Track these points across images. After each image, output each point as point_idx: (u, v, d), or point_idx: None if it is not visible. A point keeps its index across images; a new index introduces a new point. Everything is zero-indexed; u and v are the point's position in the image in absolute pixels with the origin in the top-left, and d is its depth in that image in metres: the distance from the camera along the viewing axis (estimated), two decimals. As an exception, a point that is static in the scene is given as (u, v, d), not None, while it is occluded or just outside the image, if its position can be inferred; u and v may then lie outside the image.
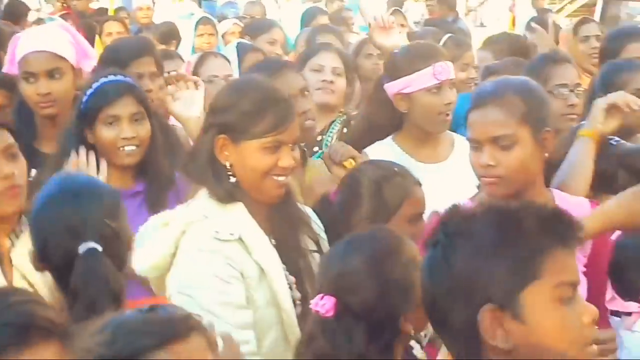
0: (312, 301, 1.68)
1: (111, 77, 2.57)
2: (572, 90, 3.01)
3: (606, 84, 2.84)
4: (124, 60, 3.00)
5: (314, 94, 3.16)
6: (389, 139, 2.97)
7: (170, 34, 6.63)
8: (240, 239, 1.95)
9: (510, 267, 1.19)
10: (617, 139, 2.45)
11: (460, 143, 2.82)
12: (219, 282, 1.90)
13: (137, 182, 2.61)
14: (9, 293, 1.19)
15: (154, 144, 2.60)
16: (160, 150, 2.62)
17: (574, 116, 2.96)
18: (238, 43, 4.67)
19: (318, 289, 1.73)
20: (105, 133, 2.51)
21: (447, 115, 2.92)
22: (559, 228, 1.24)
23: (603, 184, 2.41)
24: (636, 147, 2.46)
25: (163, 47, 5.52)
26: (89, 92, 2.54)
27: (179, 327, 1.19)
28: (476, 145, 2.15)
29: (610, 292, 2.23)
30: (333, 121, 3.65)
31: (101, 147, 2.54)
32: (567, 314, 1.20)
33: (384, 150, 2.90)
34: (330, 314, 1.62)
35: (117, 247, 1.75)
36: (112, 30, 6.57)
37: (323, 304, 1.63)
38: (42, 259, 1.77)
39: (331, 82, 3.62)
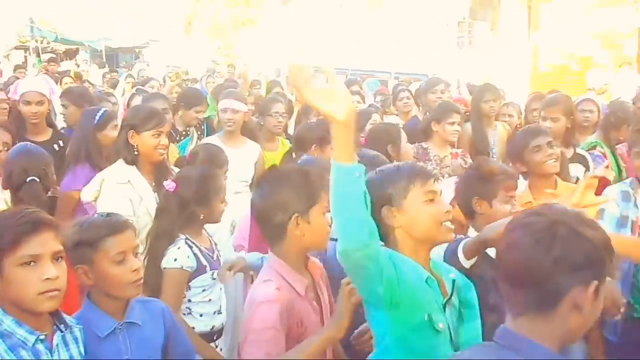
0: (164, 183, 3.14)
1: None
2: None
3: None
4: None
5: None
6: None
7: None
8: (129, 182, 3.46)
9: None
10: None
11: None
12: (121, 199, 3.38)
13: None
14: (23, 208, 2.01)
15: None
16: None
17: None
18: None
19: None
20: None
21: None
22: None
23: None
24: None
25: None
26: None
27: (122, 224, 2.23)
28: None
29: None
30: None
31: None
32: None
33: None
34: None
35: (47, 181, 3.23)
36: (67, 82, 9.42)
37: (169, 184, 3.05)
38: (7, 184, 3.24)
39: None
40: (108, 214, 2.31)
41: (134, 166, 3.51)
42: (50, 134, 4.64)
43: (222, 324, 3.10)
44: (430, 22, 16.76)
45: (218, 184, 3.11)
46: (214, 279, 2.99)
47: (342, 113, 1.76)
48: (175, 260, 2.89)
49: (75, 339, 2.02)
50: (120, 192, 3.41)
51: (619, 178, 4.21)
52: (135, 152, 3.51)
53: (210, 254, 3.04)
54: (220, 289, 3.09)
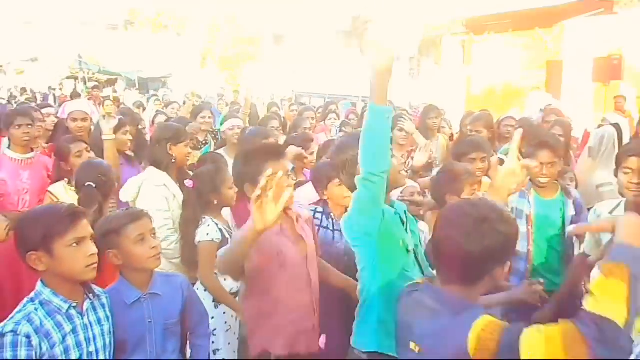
0: (185, 182, 3.23)
1: None
2: None
3: None
4: None
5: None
6: None
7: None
8: (164, 185, 3.39)
9: None
10: None
11: None
12: (159, 199, 3.34)
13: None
14: (62, 203, 2.04)
15: None
16: None
17: None
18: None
19: None
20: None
21: None
22: None
23: None
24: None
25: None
26: None
27: (139, 213, 2.20)
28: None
29: None
30: None
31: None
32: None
33: None
34: None
35: (104, 187, 2.92)
36: (108, 104, 9.05)
37: (188, 182, 3.19)
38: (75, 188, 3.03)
39: None
40: (127, 208, 2.39)
41: (165, 172, 3.46)
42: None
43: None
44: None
45: (224, 175, 3.11)
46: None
47: (385, 61, 1.80)
48: (207, 234, 2.93)
49: (102, 305, 1.99)
50: (159, 193, 3.37)
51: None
52: (173, 160, 3.49)
53: (229, 230, 3.08)
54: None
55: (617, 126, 3.35)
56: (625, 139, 5.17)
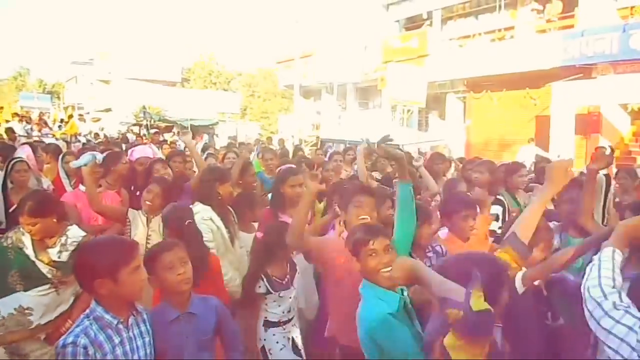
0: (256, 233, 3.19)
1: None
2: None
3: None
4: None
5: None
6: None
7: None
8: (211, 219, 3.27)
9: None
10: None
11: None
12: (206, 232, 3.12)
13: None
14: (118, 235, 2.06)
15: None
16: None
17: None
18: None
19: None
20: None
21: None
22: None
23: None
24: None
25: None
26: None
27: (170, 244, 2.17)
28: None
29: None
30: None
31: None
32: None
33: None
34: None
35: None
36: (166, 147, 8.96)
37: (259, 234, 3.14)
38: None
39: None
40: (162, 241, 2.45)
41: (209, 206, 3.38)
42: None
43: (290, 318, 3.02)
44: (400, 111, 16.88)
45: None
46: (280, 296, 2.97)
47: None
48: None
49: (144, 321, 1.98)
50: (205, 226, 3.26)
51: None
52: (219, 197, 3.46)
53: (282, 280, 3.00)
54: (290, 297, 3.01)
55: (607, 176, 3.25)
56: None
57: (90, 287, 1.79)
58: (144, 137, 15.45)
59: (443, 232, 3.15)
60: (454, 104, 16.97)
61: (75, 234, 2.77)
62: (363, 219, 2.33)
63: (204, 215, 3.33)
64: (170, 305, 2.12)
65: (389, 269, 1.82)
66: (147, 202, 3.43)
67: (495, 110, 15.50)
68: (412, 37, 17.47)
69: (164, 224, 2.95)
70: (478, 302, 1.20)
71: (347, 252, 2.04)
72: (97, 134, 18.19)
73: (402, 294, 1.94)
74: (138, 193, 3.96)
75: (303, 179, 2.97)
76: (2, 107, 18.83)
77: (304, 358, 3.01)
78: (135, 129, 23.19)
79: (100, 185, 4.00)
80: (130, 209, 3.51)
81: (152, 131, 18.67)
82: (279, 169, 4.62)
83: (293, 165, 4.63)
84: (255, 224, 3.62)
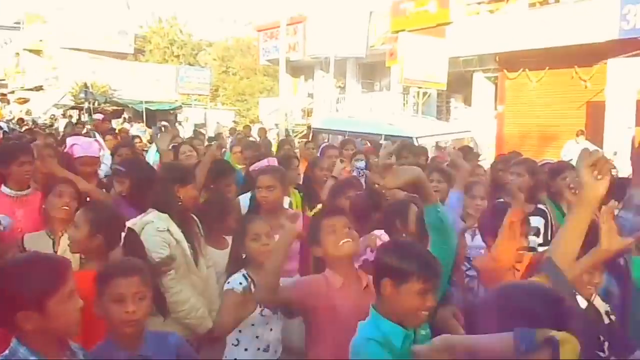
0: None
1: None
2: None
3: None
4: None
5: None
6: None
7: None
8: (168, 230, 3.21)
9: None
10: None
11: None
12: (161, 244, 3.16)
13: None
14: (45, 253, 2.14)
15: None
16: None
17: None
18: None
19: None
20: None
21: None
22: None
23: None
24: None
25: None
26: None
27: (130, 268, 2.19)
28: None
29: None
30: None
31: None
32: None
33: None
34: None
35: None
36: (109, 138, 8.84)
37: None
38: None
39: None
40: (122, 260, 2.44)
41: (167, 214, 3.28)
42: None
43: None
44: (414, 94, 16.94)
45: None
46: (262, 315, 2.97)
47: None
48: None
49: None
50: (160, 239, 3.20)
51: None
52: (180, 203, 3.39)
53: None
54: (271, 329, 3.02)
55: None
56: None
57: (11, 322, 1.75)
58: (85, 125, 15.34)
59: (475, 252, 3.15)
60: (482, 86, 17.07)
61: None
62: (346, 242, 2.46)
63: (159, 226, 3.23)
64: (115, 345, 2.10)
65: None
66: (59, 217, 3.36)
67: (534, 94, 15.60)
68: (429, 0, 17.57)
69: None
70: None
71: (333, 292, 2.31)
72: (21, 119, 18.08)
73: (415, 332, 2.05)
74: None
75: (281, 219, 2.99)
76: None
77: None
78: (74, 113, 23.05)
79: (28, 186, 3.95)
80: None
81: (96, 116, 18.58)
82: (251, 167, 4.60)
83: (269, 163, 4.53)
84: (228, 238, 3.57)
